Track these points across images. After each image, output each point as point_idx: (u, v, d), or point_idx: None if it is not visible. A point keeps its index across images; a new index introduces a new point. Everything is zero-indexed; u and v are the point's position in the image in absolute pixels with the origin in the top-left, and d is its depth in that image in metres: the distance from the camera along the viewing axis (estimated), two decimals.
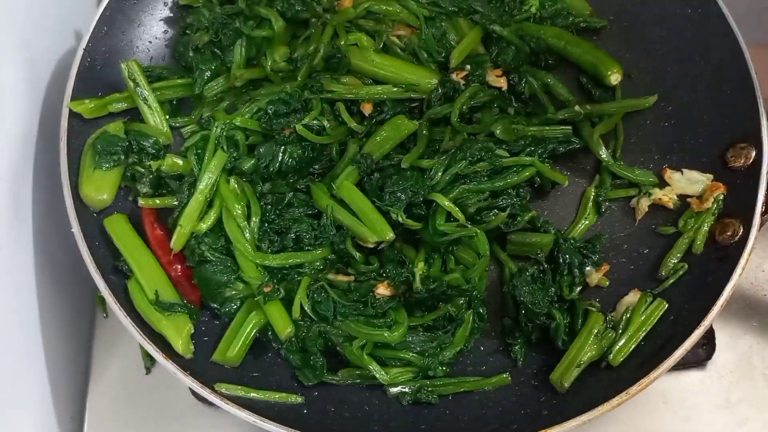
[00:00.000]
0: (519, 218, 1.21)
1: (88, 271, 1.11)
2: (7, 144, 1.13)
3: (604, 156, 1.27)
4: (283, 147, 1.22)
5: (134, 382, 1.27)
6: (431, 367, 1.16)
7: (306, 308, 1.15)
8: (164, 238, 1.20)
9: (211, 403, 1.07)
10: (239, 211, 1.18)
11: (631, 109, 1.29)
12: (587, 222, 1.27)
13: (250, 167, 1.22)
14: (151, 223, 1.22)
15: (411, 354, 1.15)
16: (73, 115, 1.19)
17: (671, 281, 1.18)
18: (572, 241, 1.24)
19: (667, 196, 1.24)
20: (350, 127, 1.25)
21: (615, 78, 1.27)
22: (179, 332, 1.12)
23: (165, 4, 1.37)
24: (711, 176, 1.21)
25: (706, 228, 1.19)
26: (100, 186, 1.19)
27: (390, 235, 1.15)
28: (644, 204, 1.25)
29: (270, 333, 1.17)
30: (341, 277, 1.19)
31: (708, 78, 1.25)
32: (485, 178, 1.21)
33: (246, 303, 1.19)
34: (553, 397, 1.12)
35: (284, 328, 1.14)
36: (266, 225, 1.20)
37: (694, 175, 1.23)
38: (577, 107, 1.27)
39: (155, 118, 1.25)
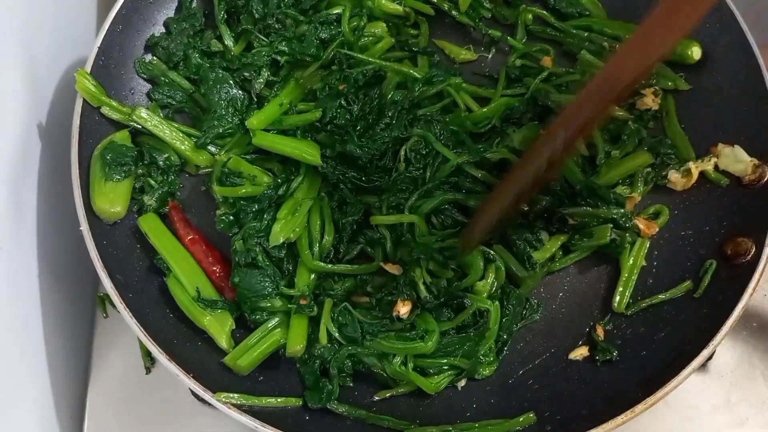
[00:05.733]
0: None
1: (88, 271, 1.09)
2: (8, 145, 1.13)
3: None
4: None
5: (134, 382, 1.26)
6: (476, 370, 1.15)
7: (333, 332, 1.13)
8: (200, 241, 1.20)
9: (211, 404, 1.06)
10: (317, 227, 1.20)
11: None
12: None
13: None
14: (184, 227, 1.21)
15: (451, 359, 1.13)
16: (84, 114, 1.19)
17: (706, 282, 1.16)
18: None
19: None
20: None
21: (697, 52, 1.27)
22: (222, 328, 1.15)
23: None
24: (756, 161, 1.19)
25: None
26: (113, 198, 1.18)
27: None
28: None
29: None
30: (363, 299, 1.18)
31: (725, 94, 1.25)
32: None
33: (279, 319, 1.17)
34: (558, 412, 1.11)
35: (295, 344, 1.13)
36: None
37: (742, 153, 1.21)
38: None
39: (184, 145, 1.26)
